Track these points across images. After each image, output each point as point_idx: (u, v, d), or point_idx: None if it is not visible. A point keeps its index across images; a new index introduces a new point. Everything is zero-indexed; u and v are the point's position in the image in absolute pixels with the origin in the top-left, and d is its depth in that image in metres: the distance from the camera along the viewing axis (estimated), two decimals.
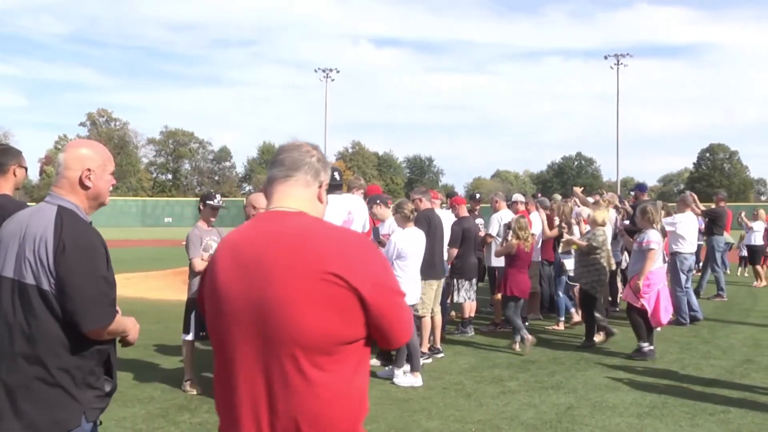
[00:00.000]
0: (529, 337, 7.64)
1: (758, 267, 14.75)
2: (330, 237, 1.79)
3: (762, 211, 15.65)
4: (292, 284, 1.69)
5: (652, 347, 7.37)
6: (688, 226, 9.61)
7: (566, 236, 8.85)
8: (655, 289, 7.34)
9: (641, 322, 7.40)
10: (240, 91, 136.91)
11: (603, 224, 8.12)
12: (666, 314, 7.47)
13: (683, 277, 9.56)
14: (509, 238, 7.89)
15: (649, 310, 7.30)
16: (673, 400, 5.73)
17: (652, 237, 7.36)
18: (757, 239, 14.88)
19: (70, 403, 2.35)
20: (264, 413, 1.69)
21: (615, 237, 9.61)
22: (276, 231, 1.79)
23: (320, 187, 1.93)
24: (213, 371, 1.86)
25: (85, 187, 2.52)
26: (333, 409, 1.70)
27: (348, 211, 5.88)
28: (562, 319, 9.16)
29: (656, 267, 7.39)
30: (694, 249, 9.89)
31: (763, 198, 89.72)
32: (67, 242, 2.35)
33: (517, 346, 7.70)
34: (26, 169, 3.80)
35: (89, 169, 2.51)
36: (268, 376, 1.69)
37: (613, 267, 8.46)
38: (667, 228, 9.41)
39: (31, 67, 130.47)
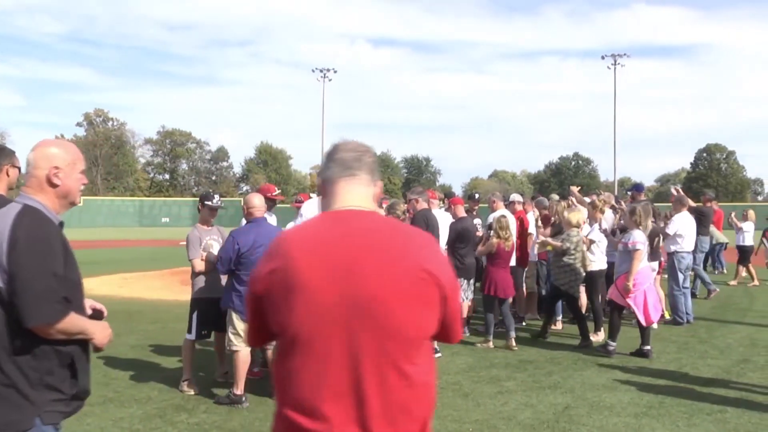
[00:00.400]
0: (490, 343, 7.89)
1: (741, 267, 14.71)
2: (417, 236, 1.88)
3: (751, 212, 15.70)
4: (392, 281, 1.74)
5: (649, 349, 7.39)
6: (685, 225, 9.64)
7: (541, 237, 8.91)
8: (641, 288, 7.38)
9: (618, 324, 7.55)
10: (237, 91, 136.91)
11: (577, 225, 8.18)
12: (655, 312, 7.51)
13: (681, 277, 9.59)
14: (491, 237, 8.02)
15: (638, 311, 7.34)
16: (671, 400, 5.74)
17: (638, 238, 7.42)
18: (747, 240, 14.92)
19: (22, 404, 2.32)
20: (355, 405, 1.71)
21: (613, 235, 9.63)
22: (363, 229, 1.83)
23: (376, 186, 1.98)
24: (277, 368, 1.82)
25: (53, 185, 2.51)
26: (421, 399, 1.78)
27: None
28: (560, 318, 9.18)
29: (641, 266, 7.44)
30: (691, 248, 9.91)
31: (759, 198, 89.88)
32: (20, 238, 2.33)
33: (512, 342, 7.77)
34: (19, 168, 3.80)
35: (57, 167, 2.50)
36: (362, 369, 1.72)
37: (589, 268, 8.55)
38: (667, 230, 9.45)
39: (28, 67, 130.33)
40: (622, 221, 9.77)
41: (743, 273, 14.75)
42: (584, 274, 8.24)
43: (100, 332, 2.55)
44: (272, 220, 6.47)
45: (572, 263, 8.02)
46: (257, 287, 1.84)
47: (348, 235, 1.81)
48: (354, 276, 1.75)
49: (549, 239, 8.50)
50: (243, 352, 5.60)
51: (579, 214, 8.38)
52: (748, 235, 14.96)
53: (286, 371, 1.80)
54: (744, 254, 14.81)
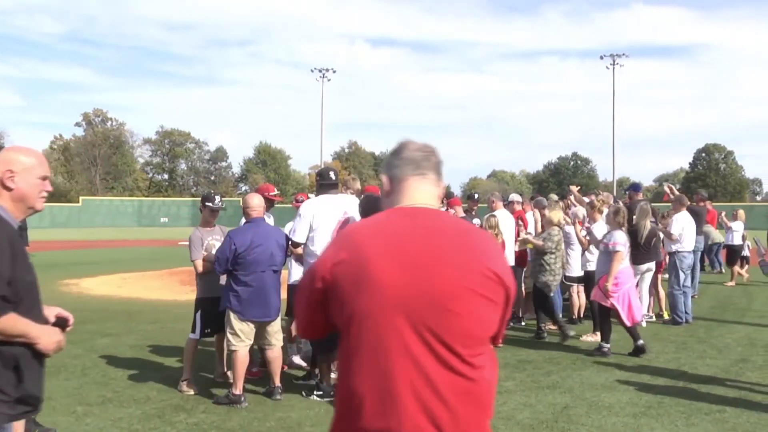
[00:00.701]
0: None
1: (735, 267, 14.72)
2: (484, 237, 1.96)
3: (741, 212, 15.74)
4: (461, 279, 1.78)
5: (643, 343, 7.40)
6: (686, 225, 9.68)
7: (522, 235, 8.95)
8: (623, 288, 7.41)
9: (609, 325, 7.58)
10: (236, 91, 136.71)
11: (559, 224, 8.22)
12: (638, 312, 7.55)
13: (682, 276, 9.62)
14: None
15: (622, 310, 7.37)
16: (669, 400, 5.75)
17: (618, 239, 7.45)
18: (736, 239, 14.94)
19: None
20: (423, 399, 1.73)
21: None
22: (433, 227, 1.87)
23: (440, 187, 2.03)
24: (342, 361, 1.83)
25: (7, 188, 2.53)
26: (485, 395, 1.82)
27: (344, 211, 5.87)
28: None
29: (623, 266, 7.48)
30: (692, 247, 9.96)
31: (758, 198, 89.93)
32: None
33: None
34: None
35: (11, 171, 2.53)
36: (429, 363, 1.74)
37: (587, 268, 8.58)
38: (672, 230, 9.49)
39: (27, 67, 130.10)
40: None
41: (737, 273, 14.80)
42: (562, 273, 8.31)
43: (46, 337, 2.51)
44: (270, 220, 6.47)
45: (553, 262, 8.06)
46: (322, 277, 1.84)
47: (418, 231, 1.85)
48: (424, 272, 1.78)
49: (530, 237, 8.56)
50: (241, 352, 5.60)
51: (560, 213, 8.46)
52: (737, 235, 14.99)
53: (350, 364, 1.80)
54: (733, 254, 14.88)
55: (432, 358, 1.74)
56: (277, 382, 5.76)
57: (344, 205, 5.93)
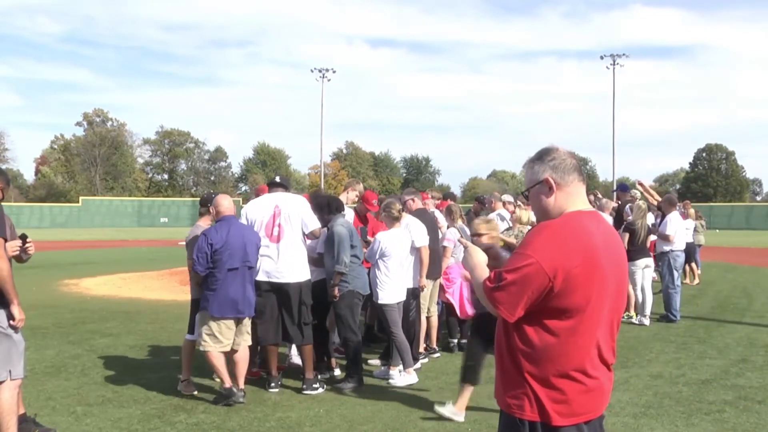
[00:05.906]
0: None
1: (692, 265, 14.48)
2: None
3: (692, 211, 14.88)
4: (626, 270, 2.45)
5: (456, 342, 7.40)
6: (678, 225, 9.82)
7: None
8: (457, 283, 7.53)
9: (455, 321, 7.86)
10: (236, 91, 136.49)
11: (528, 223, 8.28)
12: (470, 307, 7.57)
13: (676, 274, 9.78)
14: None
15: (456, 304, 7.50)
16: (669, 400, 5.74)
17: (449, 235, 7.64)
18: (689, 237, 14.55)
19: None
20: (608, 352, 2.31)
21: None
22: (609, 229, 2.37)
23: None
24: (561, 338, 2.25)
25: None
26: None
27: (275, 205, 6.08)
28: None
29: (453, 263, 7.62)
30: (683, 246, 10.10)
31: (758, 198, 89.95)
32: None
33: None
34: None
35: None
36: (609, 334, 2.30)
37: None
38: (668, 231, 9.54)
39: (26, 68, 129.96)
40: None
41: (698, 271, 14.81)
42: None
43: None
44: None
45: None
46: (554, 277, 2.14)
47: (607, 232, 2.32)
48: (621, 268, 2.33)
49: (502, 234, 8.62)
50: (214, 353, 5.56)
51: (529, 213, 8.52)
52: (688, 233, 14.59)
53: (568, 340, 2.20)
54: (687, 253, 14.52)
55: (610, 330, 2.29)
56: (241, 385, 5.70)
57: (277, 200, 6.13)
